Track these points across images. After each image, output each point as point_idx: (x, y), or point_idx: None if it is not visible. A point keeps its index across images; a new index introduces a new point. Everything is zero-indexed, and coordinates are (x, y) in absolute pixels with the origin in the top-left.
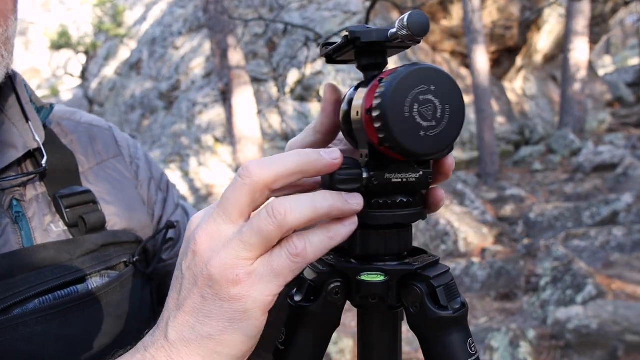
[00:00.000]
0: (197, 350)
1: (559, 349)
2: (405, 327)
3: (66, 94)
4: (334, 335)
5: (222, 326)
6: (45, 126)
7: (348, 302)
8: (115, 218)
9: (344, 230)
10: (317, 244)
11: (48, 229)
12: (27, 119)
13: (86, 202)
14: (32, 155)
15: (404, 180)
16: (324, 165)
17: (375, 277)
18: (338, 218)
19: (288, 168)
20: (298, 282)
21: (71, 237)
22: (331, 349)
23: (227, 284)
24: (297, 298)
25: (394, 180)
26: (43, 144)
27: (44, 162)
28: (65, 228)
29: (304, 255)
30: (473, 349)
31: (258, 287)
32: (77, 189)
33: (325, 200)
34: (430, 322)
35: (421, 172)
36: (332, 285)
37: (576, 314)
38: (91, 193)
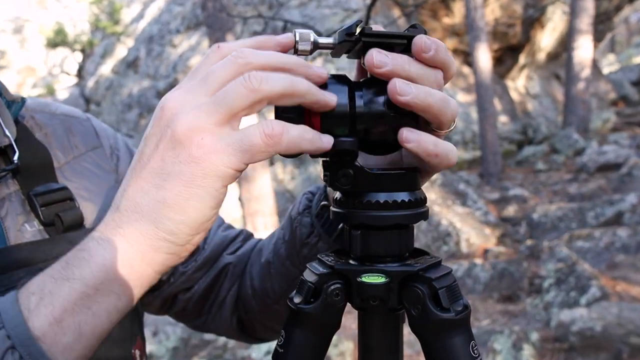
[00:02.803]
0: (149, 215)
1: (563, 352)
2: (406, 330)
3: (62, 93)
4: (334, 337)
5: (177, 190)
6: (17, 121)
7: (348, 304)
8: (94, 215)
9: (320, 141)
10: (294, 136)
11: (22, 229)
12: None
13: (62, 200)
14: (4, 152)
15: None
16: (310, 74)
17: (376, 279)
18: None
19: (279, 60)
20: (298, 284)
21: (47, 236)
22: (331, 351)
23: (190, 146)
24: (297, 300)
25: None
26: (15, 140)
27: (15, 158)
28: (41, 227)
29: (277, 139)
30: (475, 351)
31: (221, 155)
32: (53, 186)
33: (303, 82)
34: (432, 325)
35: None
36: (332, 287)
37: (580, 316)
38: (68, 190)
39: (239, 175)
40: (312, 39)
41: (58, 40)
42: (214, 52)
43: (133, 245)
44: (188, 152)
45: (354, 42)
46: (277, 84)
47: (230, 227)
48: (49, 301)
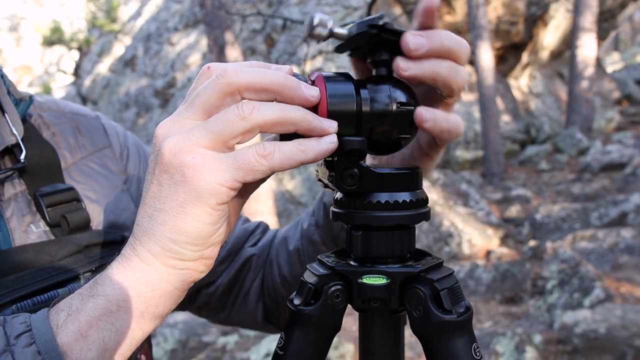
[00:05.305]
0: (154, 237)
1: (566, 354)
2: (408, 332)
3: (59, 92)
4: (335, 339)
5: (175, 212)
6: (25, 119)
7: (349, 306)
8: (100, 216)
9: (318, 146)
10: (286, 152)
11: (28, 229)
12: (3, 113)
13: (69, 201)
14: (11, 151)
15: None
16: (299, 96)
17: (377, 280)
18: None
19: (264, 80)
20: (298, 285)
21: (53, 237)
22: (332, 354)
23: (181, 166)
24: (297, 302)
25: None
26: (22, 139)
27: (22, 157)
28: (47, 228)
29: (270, 158)
30: (478, 354)
31: (214, 172)
32: (60, 187)
33: (296, 110)
34: (434, 327)
35: None
36: (333, 289)
37: (584, 318)
38: (74, 190)
39: (234, 194)
40: (329, 26)
41: (54, 38)
42: (203, 74)
43: (148, 265)
44: (180, 172)
45: (371, 37)
46: (269, 113)
47: (248, 220)
48: (76, 317)
